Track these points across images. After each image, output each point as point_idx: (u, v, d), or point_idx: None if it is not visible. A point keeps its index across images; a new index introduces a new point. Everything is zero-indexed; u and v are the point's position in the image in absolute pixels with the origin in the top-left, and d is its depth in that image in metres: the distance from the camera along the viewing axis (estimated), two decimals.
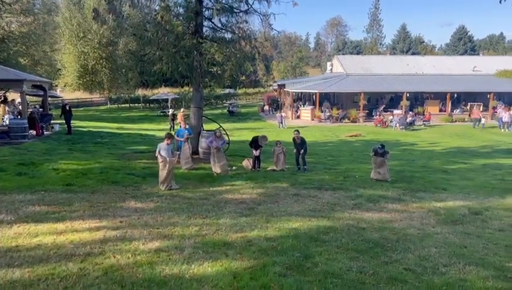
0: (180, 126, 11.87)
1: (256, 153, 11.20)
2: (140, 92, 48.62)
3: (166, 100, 40.50)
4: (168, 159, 8.27)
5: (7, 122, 15.84)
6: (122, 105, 46.11)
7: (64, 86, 44.56)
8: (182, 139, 11.50)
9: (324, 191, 8.67)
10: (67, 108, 18.01)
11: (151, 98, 43.99)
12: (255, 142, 11.32)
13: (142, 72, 41.77)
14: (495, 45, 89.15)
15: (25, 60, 33.29)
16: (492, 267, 4.33)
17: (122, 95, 46.64)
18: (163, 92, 45.71)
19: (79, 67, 42.72)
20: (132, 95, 46.94)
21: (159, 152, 8.38)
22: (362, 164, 13.48)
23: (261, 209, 6.83)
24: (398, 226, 5.94)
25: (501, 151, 18.77)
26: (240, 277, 3.71)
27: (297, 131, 11.58)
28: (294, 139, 11.46)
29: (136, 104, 45.87)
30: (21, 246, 4.26)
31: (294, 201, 7.59)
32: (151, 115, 38.39)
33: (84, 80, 44.01)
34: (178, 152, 10.77)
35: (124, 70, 44.71)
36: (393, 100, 34.01)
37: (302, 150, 11.24)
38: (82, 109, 42.60)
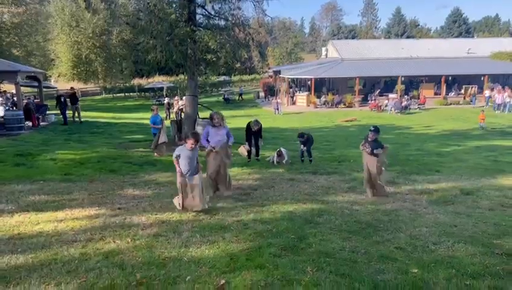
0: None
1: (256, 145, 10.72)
2: (135, 81, 48.33)
3: (161, 89, 40.37)
4: (187, 178, 5.46)
5: (2, 113, 15.83)
6: (117, 94, 45.95)
7: (58, 76, 44.22)
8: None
9: (319, 175, 8.81)
10: (63, 99, 17.98)
11: (146, 87, 43.83)
12: (249, 130, 10.87)
13: (137, 62, 41.60)
14: (490, 27, 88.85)
15: (18, 51, 32.97)
16: (481, 244, 4.49)
17: (117, 84, 46.40)
18: (158, 80, 45.53)
19: (73, 57, 42.37)
20: (127, 84, 46.71)
21: (177, 159, 5.50)
22: (357, 149, 13.57)
23: (257, 194, 6.96)
24: (390, 207, 6.09)
25: (495, 133, 18.95)
26: (237, 258, 3.85)
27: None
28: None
29: (131, 94, 45.70)
30: (23, 233, 4.37)
31: (290, 185, 7.73)
32: (147, 104, 38.23)
33: (78, 69, 43.69)
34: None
35: (118, 59, 44.41)
36: (388, 84, 34.05)
37: (305, 146, 10.45)
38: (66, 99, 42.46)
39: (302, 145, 10.40)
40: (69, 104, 18.66)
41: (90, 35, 40.59)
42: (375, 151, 6.88)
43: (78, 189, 6.71)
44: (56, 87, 35.21)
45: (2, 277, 3.29)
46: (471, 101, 28.93)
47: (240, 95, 37.64)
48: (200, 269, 3.60)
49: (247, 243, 4.28)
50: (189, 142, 5.42)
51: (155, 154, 10.86)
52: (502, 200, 6.92)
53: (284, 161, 10.23)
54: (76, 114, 18.87)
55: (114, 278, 3.31)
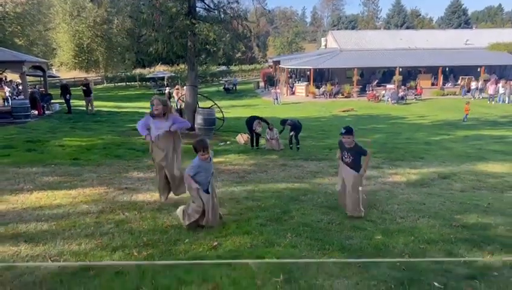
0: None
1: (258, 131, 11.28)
2: (136, 70, 48.73)
3: (162, 78, 40.88)
4: (202, 196, 4.38)
5: (9, 102, 16.46)
6: (119, 84, 46.42)
7: (60, 65, 44.63)
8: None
9: (310, 161, 9.46)
10: (68, 87, 18.57)
11: (147, 76, 44.31)
12: (250, 123, 11.39)
13: (138, 52, 41.87)
14: (493, 17, 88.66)
15: (20, 41, 33.44)
16: (442, 219, 5.14)
17: (118, 73, 46.85)
18: (160, 70, 45.98)
19: (74, 46, 42.73)
20: (128, 74, 47.17)
21: (191, 173, 4.35)
22: None
23: (250, 177, 7.61)
24: (370, 189, 6.74)
25: (486, 123, 19.58)
26: (228, 226, 4.51)
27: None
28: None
29: (133, 83, 46.20)
30: (44, 206, 5.03)
31: (281, 170, 8.38)
32: (148, 93, 38.78)
33: (80, 58, 44.08)
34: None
35: (119, 48, 44.79)
36: (386, 75, 34.54)
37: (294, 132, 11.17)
38: (79, 88, 43.02)
39: (291, 132, 11.08)
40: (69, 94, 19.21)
41: (92, 24, 40.94)
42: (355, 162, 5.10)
43: (87, 172, 7.36)
44: (59, 77, 35.72)
45: (32, 239, 3.95)
46: (470, 93, 29.42)
47: (234, 85, 38.02)
48: (197, 234, 4.26)
49: (237, 215, 4.94)
50: (200, 154, 4.31)
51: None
52: (475, 184, 7.57)
53: (275, 136, 10.94)
54: (89, 105, 19.24)
55: (125, 241, 3.97)
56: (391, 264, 3.65)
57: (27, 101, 15.99)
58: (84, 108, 19.76)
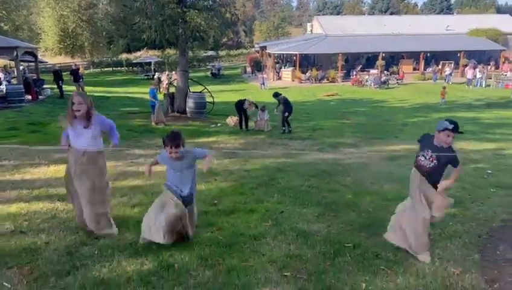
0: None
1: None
2: (124, 55, 48.65)
3: (149, 63, 41.03)
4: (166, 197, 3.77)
5: (3, 87, 16.85)
6: (105, 69, 46.34)
7: (45, 50, 44.34)
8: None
9: (294, 140, 10.35)
10: (60, 73, 18.99)
11: (134, 61, 44.38)
12: (240, 106, 12.13)
13: (126, 37, 41.92)
14: (477, 2, 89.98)
15: (6, 26, 33.26)
16: (404, 183, 6.02)
17: (104, 58, 46.80)
18: (146, 55, 46.04)
19: (59, 31, 42.53)
20: (115, 59, 47.13)
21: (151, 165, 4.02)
22: (333, 120, 15.19)
23: (241, 154, 8.46)
24: (346, 162, 7.67)
25: (461, 106, 20.70)
26: (224, 190, 5.38)
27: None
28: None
29: (119, 68, 46.20)
30: (62, 177, 5.80)
31: (269, 148, 9.25)
32: (135, 78, 39.03)
33: (65, 43, 43.95)
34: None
35: (104, 33, 44.71)
36: (370, 60, 35.47)
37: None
38: (66, 73, 42.94)
39: (285, 113, 11.67)
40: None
41: (76, 9, 40.76)
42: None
43: None
44: (47, 62, 35.64)
45: (64, 199, 4.75)
46: (446, 79, 30.48)
47: (218, 70, 38.41)
48: (198, 196, 5.11)
49: (232, 182, 5.81)
50: (167, 149, 3.61)
51: (155, 124, 12.26)
52: None
53: (265, 118, 11.75)
54: (80, 90, 19.76)
55: (141, 200, 4.81)
56: (357, 213, 4.57)
57: (21, 86, 16.44)
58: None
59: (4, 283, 2.86)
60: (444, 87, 21.70)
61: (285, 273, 3.14)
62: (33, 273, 3.00)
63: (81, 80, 19.33)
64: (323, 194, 5.34)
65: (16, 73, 18.33)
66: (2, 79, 17.89)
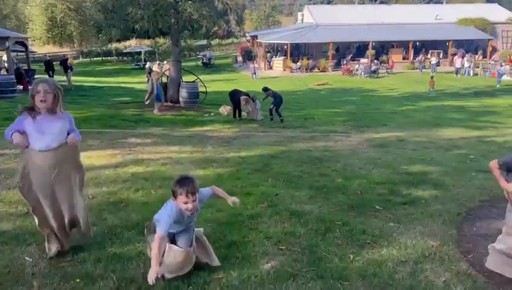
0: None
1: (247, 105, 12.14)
2: (113, 45, 48.22)
3: (139, 53, 40.80)
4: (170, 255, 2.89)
5: None
6: (95, 59, 45.95)
7: (33, 39, 43.82)
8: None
9: (287, 129, 10.66)
10: (51, 63, 18.98)
11: (124, 51, 44.08)
12: (233, 96, 12.29)
13: (114, 26, 41.40)
14: None
15: None
16: (392, 168, 6.44)
17: (93, 48, 46.39)
18: (138, 44, 45.72)
19: (46, 20, 42.02)
20: (104, 49, 46.74)
21: (163, 232, 2.69)
22: (323, 109, 15.52)
23: (236, 142, 8.74)
24: (337, 149, 8.00)
25: (448, 94, 21.17)
26: (222, 175, 5.67)
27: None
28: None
29: (109, 58, 45.84)
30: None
31: (262, 136, 9.54)
32: (126, 68, 38.88)
33: (53, 33, 43.48)
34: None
35: (92, 22, 44.24)
36: (361, 49, 35.77)
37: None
38: (54, 63, 42.54)
39: (272, 105, 12.01)
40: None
41: None
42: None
43: (91, 138, 8.30)
44: (36, 52, 35.29)
45: None
46: (432, 68, 30.86)
47: (209, 60, 38.39)
48: (197, 180, 5.39)
49: (229, 168, 6.10)
50: (180, 199, 2.72)
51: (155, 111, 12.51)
52: (426, 145, 8.93)
53: (257, 108, 12.02)
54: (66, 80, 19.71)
55: (142, 184, 5.07)
56: (347, 195, 4.90)
57: (13, 76, 16.43)
58: (66, 83, 20.16)
59: (26, 258, 3.13)
60: (432, 77, 22.11)
61: (281, 247, 3.46)
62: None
63: (69, 70, 19.24)
64: (315, 179, 5.66)
65: (5, 63, 18.26)
66: None
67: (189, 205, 2.64)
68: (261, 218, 4.12)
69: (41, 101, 2.95)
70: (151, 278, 2.44)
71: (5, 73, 17.78)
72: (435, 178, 5.93)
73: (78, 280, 2.84)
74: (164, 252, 2.79)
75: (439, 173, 6.24)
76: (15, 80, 16.31)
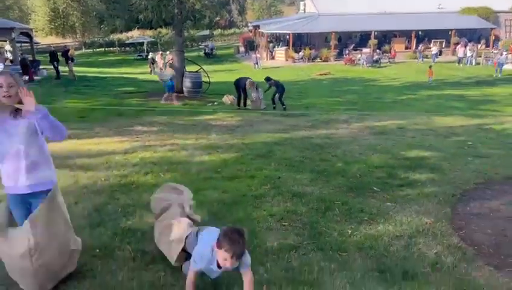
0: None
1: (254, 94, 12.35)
2: (116, 36, 48.24)
3: (142, 44, 40.84)
4: None
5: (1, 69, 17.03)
6: (98, 49, 46.03)
7: (36, 31, 43.91)
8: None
9: (289, 117, 10.85)
10: (56, 54, 19.13)
11: (126, 42, 44.12)
12: (239, 82, 12.50)
13: (118, 16, 41.49)
14: None
15: None
16: (391, 154, 6.65)
17: (96, 39, 46.47)
18: (137, 35, 45.73)
19: (49, 10, 42.12)
20: (107, 39, 46.79)
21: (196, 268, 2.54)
22: (325, 98, 15.68)
23: (239, 130, 8.95)
24: (337, 136, 8.20)
25: (450, 84, 21.25)
26: (227, 161, 5.89)
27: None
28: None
29: (111, 49, 45.90)
30: (78, 150, 6.27)
31: (265, 124, 9.74)
32: (128, 58, 38.95)
33: (56, 24, 43.62)
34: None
35: (95, 13, 44.30)
36: (362, 39, 35.70)
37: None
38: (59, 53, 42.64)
39: (277, 94, 12.21)
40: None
41: None
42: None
43: (98, 127, 8.55)
44: (39, 42, 35.43)
45: (82, 168, 5.24)
46: (433, 58, 30.80)
47: (211, 50, 38.42)
48: (202, 165, 5.63)
49: (233, 153, 6.32)
50: (222, 253, 2.34)
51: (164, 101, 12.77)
52: (425, 132, 9.12)
53: (260, 97, 12.17)
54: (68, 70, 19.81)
55: (151, 168, 5.31)
56: (346, 178, 5.12)
57: (18, 67, 16.65)
58: (67, 74, 20.21)
59: None
60: (430, 66, 22.15)
61: (284, 223, 3.69)
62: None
63: (70, 61, 19.29)
64: (316, 163, 5.88)
65: (11, 54, 18.45)
66: None
67: (228, 265, 2.34)
68: (265, 198, 4.35)
69: (5, 95, 2.45)
70: None
71: (10, 64, 17.98)
72: (432, 163, 6.14)
73: (97, 250, 3.09)
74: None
75: (437, 158, 6.44)
76: (21, 71, 16.53)
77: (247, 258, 2.45)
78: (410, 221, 3.83)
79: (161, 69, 23.49)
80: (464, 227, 3.86)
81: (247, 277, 2.47)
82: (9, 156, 2.50)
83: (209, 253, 2.42)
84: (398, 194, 4.62)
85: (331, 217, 3.87)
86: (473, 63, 29.35)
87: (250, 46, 39.38)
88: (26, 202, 2.64)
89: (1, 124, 2.48)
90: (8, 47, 19.47)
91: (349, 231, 3.55)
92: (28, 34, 19.30)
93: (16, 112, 2.53)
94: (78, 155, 5.87)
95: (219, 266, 2.42)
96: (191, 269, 2.53)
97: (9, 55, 19.08)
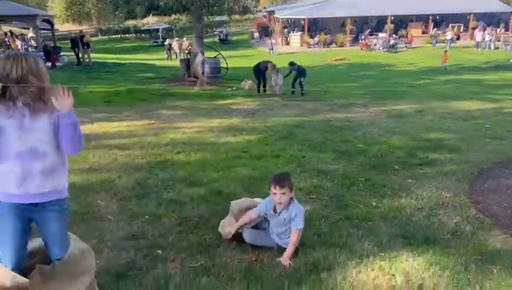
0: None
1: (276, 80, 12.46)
2: (130, 22, 48.56)
3: (157, 30, 41.09)
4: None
5: None
6: (113, 36, 46.47)
7: (53, 18, 44.35)
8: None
9: (307, 102, 11.07)
10: (77, 40, 19.57)
11: (142, 28, 44.44)
12: (259, 66, 12.56)
13: (138, 3, 41.62)
14: None
15: None
16: (410, 136, 6.85)
17: (111, 25, 46.89)
18: (152, 21, 45.96)
19: None
20: (122, 26, 47.17)
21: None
22: (342, 83, 15.80)
23: (260, 113, 9.22)
24: (356, 119, 8.41)
25: (468, 68, 21.07)
26: (251, 141, 6.19)
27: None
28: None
29: (127, 35, 46.28)
30: (108, 132, 6.63)
31: (284, 108, 9.98)
32: (144, 45, 39.29)
33: (72, 11, 44.17)
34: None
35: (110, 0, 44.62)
36: (379, 24, 35.28)
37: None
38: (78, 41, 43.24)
39: (300, 78, 12.28)
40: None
41: None
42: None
43: (125, 110, 8.92)
44: (58, 29, 35.94)
45: (119, 148, 5.59)
46: (447, 43, 30.30)
47: (226, 36, 38.48)
48: (229, 146, 5.93)
49: (257, 135, 6.62)
50: (271, 190, 2.97)
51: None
52: (443, 115, 9.25)
53: (279, 82, 12.31)
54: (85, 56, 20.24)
55: (183, 148, 5.64)
56: (368, 158, 5.38)
57: (42, 53, 17.11)
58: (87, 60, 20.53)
59: (99, 201, 3.73)
60: (446, 51, 21.94)
61: (312, 197, 3.98)
62: (117, 195, 3.87)
63: (86, 47, 19.59)
64: (338, 144, 6.13)
65: (33, 41, 18.94)
66: (18, 46, 18.54)
67: (277, 198, 2.90)
68: (292, 175, 4.58)
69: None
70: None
71: (34, 50, 18.48)
72: (451, 144, 6.33)
73: (147, 217, 3.43)
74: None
75: (455, 139, 6.62)
76: (44, 57, 17.00)
77: (299, 220, 2.91)
78: (431, 195, 4.08)
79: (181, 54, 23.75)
80: (481, 201, 4.10)
81: (293, 238, 2.90)
82: (18, 156, 1.96)
83: (269, 199, 3.03)
84: (418, 172, 4.85)
85: (355, 191, 4.14)
86: (492, 48, 28.87)
87: (265, 31, 39.27)
88: (24, 216, 2.07)
89: (16, 118, 1.96)
90: (31, 34, 19.95)
91: (374, 203, 3.82)
92: (49, 21, 19.73)
93: (35, 104, 2.00)
94: (112, 136, 6.23)
95: (274, 210, 2.96)
96: (254, 210, 3.09)
97: (32, 42, 19.56)
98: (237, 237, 3.04)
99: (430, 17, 33.47)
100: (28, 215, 2.09)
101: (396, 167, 5.04)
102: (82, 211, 3.50)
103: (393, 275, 2.67)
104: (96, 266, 2.69)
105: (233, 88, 13.62)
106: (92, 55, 26.63)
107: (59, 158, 2.10)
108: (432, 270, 2.72)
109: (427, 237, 3.21)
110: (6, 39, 19.94)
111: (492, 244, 3.13)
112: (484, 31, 29.81)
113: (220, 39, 38.24)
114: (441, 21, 35.47)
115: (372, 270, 2.72)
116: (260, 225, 3.13)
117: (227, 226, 3.08)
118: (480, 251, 2.99)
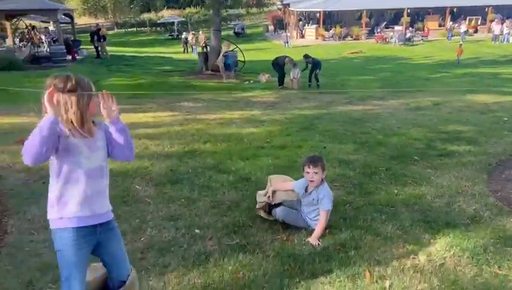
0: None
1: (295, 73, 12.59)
2: (146, 15, 48.99)
3: (172, 24, 41.40)
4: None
5: (46, 49, 18.02)
6: (129, 29, 46.96)
7: (73, 11, 45.01)
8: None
9: (324, 94, 11.22)
10: (96, 34, 19.95)
11: (157, 22, 44.82)
12: (277, 60, 12.69)
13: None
14: None
15: None
16: (428, 128, 6.97)
17: (127, 19, 47.41)
18: (167, 15, 46.27)
19: None
20: (138, 19, 47.63)
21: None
22: (358, 76, 15.85)
23: (278, 106, 9.42)
24: (376, 112, 8.54)
25: (485, 62, 20.84)
26: (273, 132, 6.40)
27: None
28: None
29: (143, 28, 46.71)
30: (137, 122, 6.91)
31: (303, 101, 10.16)
32: (159, 38, 39.67)
33: (88, 4, 44.78)
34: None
35: None
36: (396, 17, 34.95)
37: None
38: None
39: (316, 70, 12.43)
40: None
41: None
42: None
43: (148, 102, 9.21)
44: (76, 23, 36.49)
45: (149, 138, 5.86)
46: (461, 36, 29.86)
47: (242, 29, 38.57)
48: (252, 136, 6.15)
49: (278, 126, 6.83)
50: (305, 169, 3.22)
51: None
52: (461, 108, 9.30)
53: (297, 76, 12.43)
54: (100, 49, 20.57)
55: (208, 138, 5.88)
56: (388, 149, 5.54)
57: (63, 46, 17.56)
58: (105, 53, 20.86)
59: (136, 186, 4.00)
60: (461, 45, 21.70)
61: (335, 184, 4.18)
62: (152, 181, 4.14)
63: (102, 40, 19.93)
64: (358, 136, 6.30)
65: (56, 35, 19.38)
66: (43, 40, 19.02)
67: (309, 177, 3.15)
68: None
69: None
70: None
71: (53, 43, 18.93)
72: (469, 136, 6.43)
73: (182, 200, 3.68)
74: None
75: (473, 132, 6.73)
76: (65, 50, 17.45)
77: (326, 201, 3.13)
78: (450, 184, 4.24)
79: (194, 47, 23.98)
80: (499, 190, 4.24)
81: (321, 219, 3.12)
82: (86, 177, 1.91)
83: (302, 180, 3.30)
84: (437, 163, 5.01)
85: (377, 180, 4.33)
86: (510, 41, 28.40)
87: (280, 24, 39.24)
88: (91, 240, 1.97)
89: (82, 138, 1.91)
90: (51, 27, 20.41)
91: (395, 191, 4.01)
92: (69, 15, 20.16)
93: (93, 123, 2.01)
94: (140, 127, 6.51)
95: (306, 190, 3.23)
96: (291, 183, 3.47)
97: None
98: (267, 208, 3.35)
99: (448, 10, 33.00)
100: (94, 240, 1.97)
101: (416, 157, 5.19)
102: (122, 195, 3.77)
103: (417, 255, 2.87)
104: (141, 242, 2.97)
105: (251, 81, 13.82)
106: (109, 48, 27.15)
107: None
108: (452, 251, 2.91)
109: (448, 222, 3.39)
110: (27, 32, 20.49)
111: (510, 229, 3.29)
112: (502, 24, 29.32)
113: (235, 32, 38.34)
114: (458, 14, 34.95)
115: (397, 250, 2.92)
116: (292, 205, 3.35)
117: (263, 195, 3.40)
118: (498, 235, 3.16)
